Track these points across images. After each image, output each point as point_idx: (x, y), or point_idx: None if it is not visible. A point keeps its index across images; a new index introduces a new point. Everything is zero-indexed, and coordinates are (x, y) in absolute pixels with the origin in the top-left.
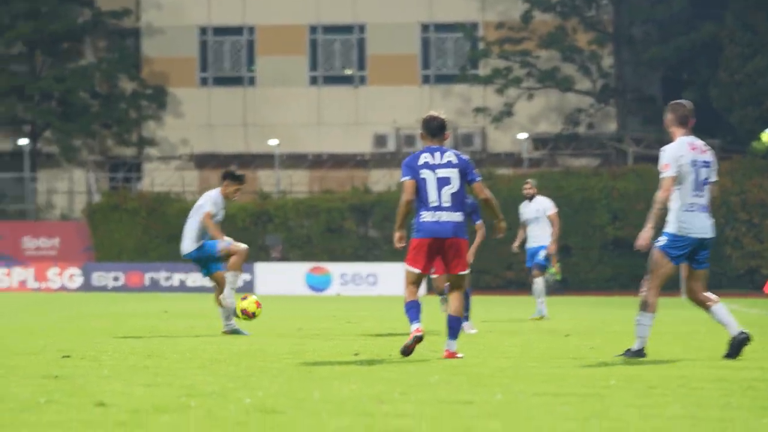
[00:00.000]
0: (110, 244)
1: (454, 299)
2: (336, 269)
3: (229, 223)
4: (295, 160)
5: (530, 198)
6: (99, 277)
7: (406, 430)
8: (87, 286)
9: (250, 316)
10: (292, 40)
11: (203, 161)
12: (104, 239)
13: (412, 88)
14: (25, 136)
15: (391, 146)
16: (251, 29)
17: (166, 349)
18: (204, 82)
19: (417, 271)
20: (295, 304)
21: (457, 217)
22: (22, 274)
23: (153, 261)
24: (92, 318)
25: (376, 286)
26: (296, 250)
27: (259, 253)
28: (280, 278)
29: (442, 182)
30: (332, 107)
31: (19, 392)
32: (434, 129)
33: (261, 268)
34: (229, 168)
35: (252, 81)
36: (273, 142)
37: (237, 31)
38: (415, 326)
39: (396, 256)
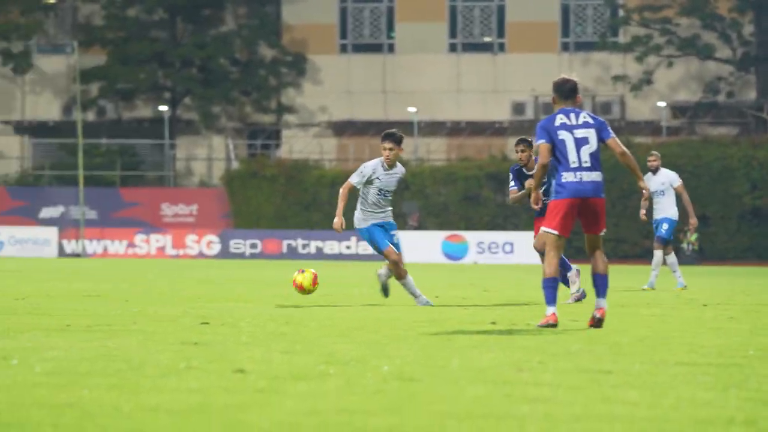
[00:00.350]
0: (248, 211)
1: (598, 258)
2: (473, 237)
3: None
4: (433, 128)
5: (654, 170)
6: (236, 244)
7: (545, 398)
8: (225, 253)
9: (302, 290)
10: (431, 6)
11: (341, 128)
12: (242, 206)
13: (551, 55)
14: (165, 103)
15: (529, 114)
16: None
17: (304, 316)
18: (343, 49)
19: (556, 233)
20: (432, 272)
21: (596, 176)
22: (160, 240)
23: (291, 228)
24: (230, 285)
25: (512, 254)
26: (433, 218)
27: (395, 220)
28: (416, 246)
29: (581, 142)
30: (471, 74)
31: (160, 358)
32: (567, 91)
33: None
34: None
35: (391, 48)
36: (411, 109)
37: None
38: (550, 310)
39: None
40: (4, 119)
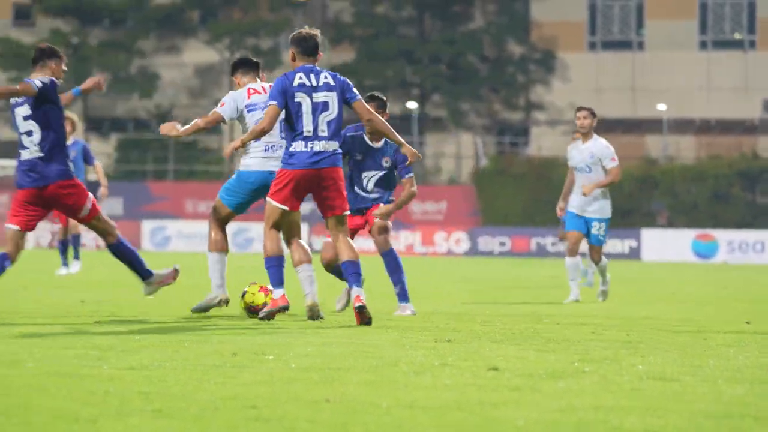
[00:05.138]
0: (496, 208)
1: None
2: (723, 236)
3: (616, 189)
4: (682, 125)
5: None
6: (485, 242)
7: None
8: (473, 251)
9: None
10: (681, 3)
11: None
12: (491, 203)
13: None
14: (413, 100)
15: None
16: None
17: (555, 314)
18: (592, 46)
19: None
20: (682, 270)
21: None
22: (409, 238)
23: (539, 226)
24: (480, 282)
25: (763, 254)
26: (682, 216)
27: (644, 218)
28: (665, 245)
29: (320, 108)
30: (721, 72)
31: (414, 355)
32: (311, 48)
33: (647, 235)
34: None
35: (641, 45)
36: (661, 107)
37: None
38: (278, 292)
39: None
40: None
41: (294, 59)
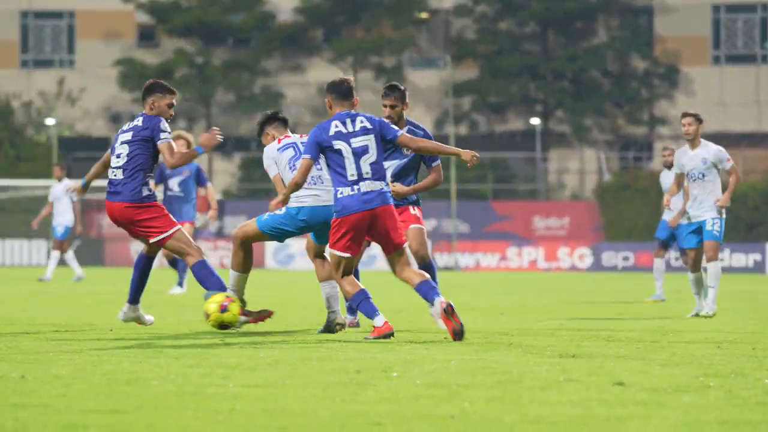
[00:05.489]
0: (620, 223)
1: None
2: None
3: (740, 203)
4: None
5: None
6: (609, 257)
7: None
8: (597, 266)
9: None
10: None
11: (715, 141)
12: (614, 219)
13: None
14: (537, 116)
15: None
16: (765, 6)
17: (680, 328)
18: (716, 60)
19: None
20: None
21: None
22: (532, 253)
23: None
24: (603, 297)
25: None
26: None
27: None
28: None
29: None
30: None
31: (539, 371)
32: (345, 92)
33: None
34: None
35: (765, 59)
36: None
37: (751, 8)
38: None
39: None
40: None
41: (331, 107)
